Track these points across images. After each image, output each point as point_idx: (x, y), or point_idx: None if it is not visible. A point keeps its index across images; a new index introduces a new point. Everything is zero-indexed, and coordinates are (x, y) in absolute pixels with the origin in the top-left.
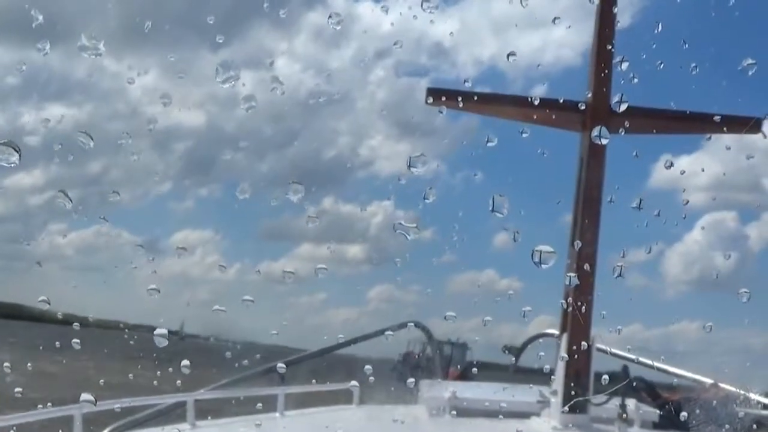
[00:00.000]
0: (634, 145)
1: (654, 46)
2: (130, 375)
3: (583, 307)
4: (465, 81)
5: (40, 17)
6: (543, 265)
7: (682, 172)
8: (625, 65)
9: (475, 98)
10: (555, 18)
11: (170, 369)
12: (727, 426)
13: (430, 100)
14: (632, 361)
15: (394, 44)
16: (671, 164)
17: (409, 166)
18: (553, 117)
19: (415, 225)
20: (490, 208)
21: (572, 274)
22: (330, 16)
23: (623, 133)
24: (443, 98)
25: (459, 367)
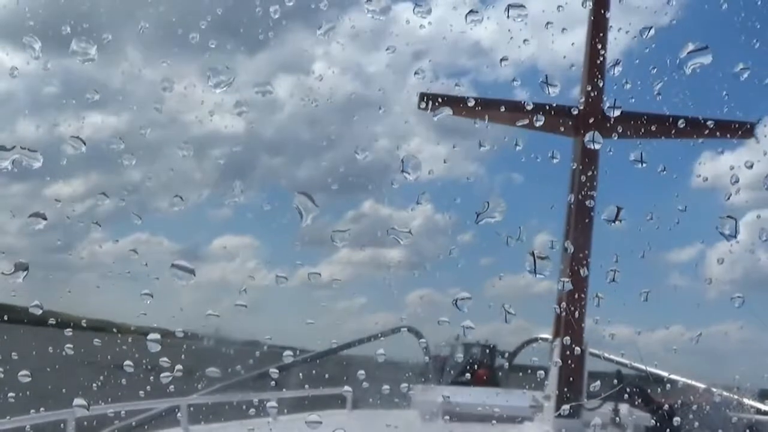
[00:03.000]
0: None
1: (647, 50)
2: None
3: (577, 312)
4: (456, 85)
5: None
6: (538, 273)
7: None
8: (617, 69)
9: (468, 103)
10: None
11: None
12: (720, 431)
13: (423, 105)
14: (625, 365)
15: (429, 61)
16: (706, 178)
17: (402, 171)
18: (547, 122)
19: (408, 230)
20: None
21: (565, 279)
22: None
23: (616, 138)
24: (436, 103)
25: (488, 369)
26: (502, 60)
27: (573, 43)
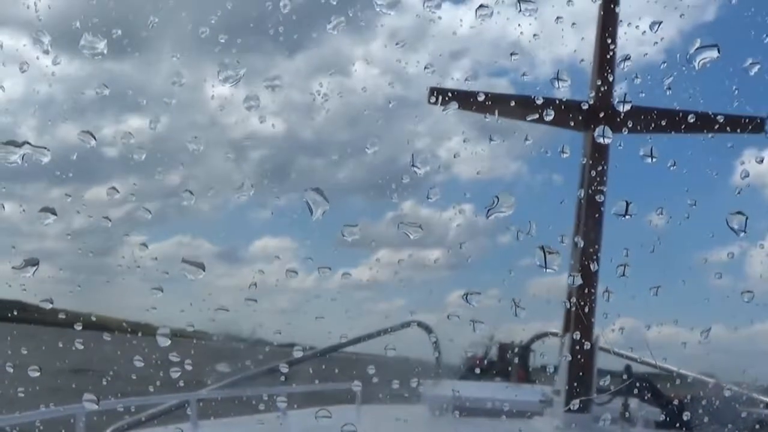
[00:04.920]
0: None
1: (656, 44)
2: None
3: (587, 307)
4: (466, 79)
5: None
6: (547, 267)
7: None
8: (627, 64)
9: (478, 98)
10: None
11: None
12: (730, 425)
13: (433, 99)
14: (635, 360)
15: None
16: (762, 159)
17: (412, 165)
18: (557, 117)
19: (418, 225)
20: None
21: (575, 274)
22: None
23: (626, 132)
24: (446, 98)
25: (524, 369)
26: (512, 54)
27: (583, 38)
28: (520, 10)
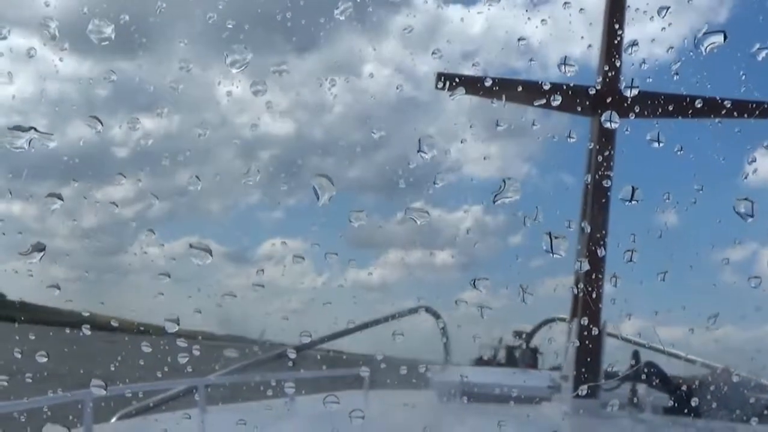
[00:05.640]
0: (732, 131)
1: (663, 29)
2: None
3: (594, 293)
4: (473, 64)
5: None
6: (555, 253)
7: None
8: (635, 49)
9: (486, 83)
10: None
11: None
12: (738, 411)
13: (440, 85)
14: (643, 346)
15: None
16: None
17: (418, 151)
18: (564, 102)
19: (425, 211)
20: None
21: (582, 260)
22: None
23: (633, 117)
24: (454, 83)
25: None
26: (519, 40)
27: (591, 23)
28: None
